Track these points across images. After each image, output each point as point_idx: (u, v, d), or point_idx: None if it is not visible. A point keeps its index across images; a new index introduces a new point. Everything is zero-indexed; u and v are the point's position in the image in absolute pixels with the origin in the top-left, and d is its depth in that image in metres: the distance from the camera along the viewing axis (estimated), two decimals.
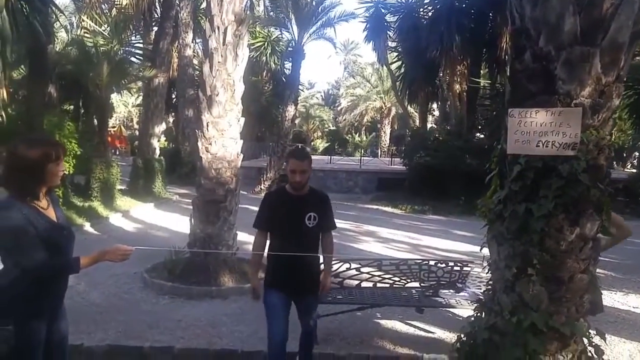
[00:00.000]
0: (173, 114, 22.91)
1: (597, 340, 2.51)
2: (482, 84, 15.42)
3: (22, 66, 11.68)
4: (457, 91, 15.22)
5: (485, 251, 2.75)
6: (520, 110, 2.34)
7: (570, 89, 2.28)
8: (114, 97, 26.88)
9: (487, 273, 2.78)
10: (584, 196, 2.25)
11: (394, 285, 4.43)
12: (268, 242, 3.09)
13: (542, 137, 2.27)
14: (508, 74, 2.55)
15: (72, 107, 17.92)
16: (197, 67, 17.45)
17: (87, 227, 8.58)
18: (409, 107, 22.65)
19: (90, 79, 11.23)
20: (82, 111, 17.67)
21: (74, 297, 4.65)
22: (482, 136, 15.32)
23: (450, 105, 16.06)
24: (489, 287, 2.74)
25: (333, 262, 4.27)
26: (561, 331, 2.35)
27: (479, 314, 2.69)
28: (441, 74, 16.32)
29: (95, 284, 5.35)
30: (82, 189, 10.94)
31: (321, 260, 3.25)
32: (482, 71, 16.56)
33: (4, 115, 8.14)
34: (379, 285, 4.42)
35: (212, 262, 5.63)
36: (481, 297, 3.02)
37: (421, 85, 17.33)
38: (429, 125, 20.78)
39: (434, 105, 22.60)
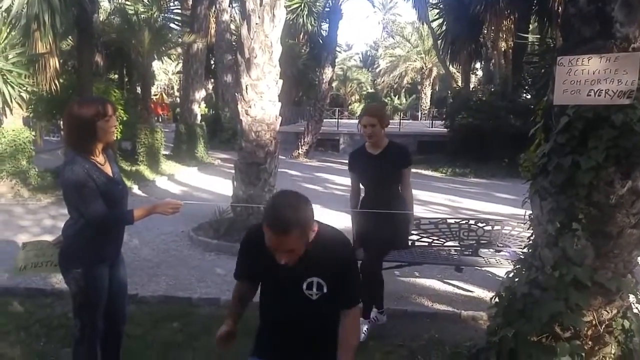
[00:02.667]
0: (212, 80, 23.14)
1: None
2: (530, 40, 14.61)
3: (70, 37, 12.05)
4: (503, 49, 14.55)
5: (528, 207, 2.70)
6: (570, 58, 2.22)
7: (628, 32, 2.13)
8: (155, 65, 27.36)
9: (528, 229, 2.74)
10: (638, 147, 2.15)
11: (433, 244, 4.43)
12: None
13: (593, 86, 2.16)
14: (560, 20, 2.42)
15: (116, 75, 18.45)
16: (234, 32, 17.40)
17: (135, 189, 8.99)
18: (451, 67, 21.85)
19: (132, 47, 11.48)
20: (126, 79, 18.15)
21: (127, 253, 4.91)
22: (528, 96, 14.67)
23: (494, 64, 15.41)
24: (531, 242, 2.71)
25: None
26: (606, 287, 2.30)
27: (518, 270, 2.67)
28: (485, 31, 15.56)
29: (147, 242, 5.66)
30: (129, 153, 11.41)
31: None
32: (530, 26, 15.66)
33: (57, 84, 8.50)
34: (417, 244, 4.44)
35: (254, 222, 5.80)
36: (522, 256, 3.00)
37: (464, 44, 16.59)
38: (471, 86, 20.04)
39: (477, 65, 21.71)
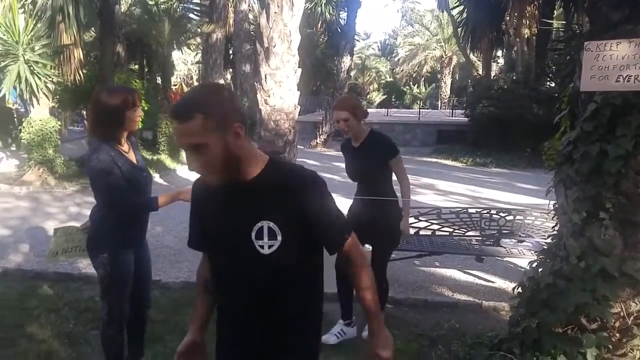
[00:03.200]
0: (231, 70, 23.21)
1: None
2: (554, 26, 14.23)
3: (92, 28, 12.22)
4: (526, 35, 14.17)
5: (552, 197, 2.66)
6: (598, 43, 2.16)
7: None
8: (174, 56, 27.58)
9: (553, 218, 2.70)
10: None
11: (453, 234, 4.40)
12: None
13: (622, 72, 2.10)
14: (586, 4, 2.35)
15: (136, 66, 18.66)
16: (252, 21, 17.41)
17: (157, 178, 9.13)
18: (471, 55, 21.47)
19: (152, 37, 11.59)
20: (146, 70, 18.33)
21: (150, 240, 4.93)
22: (552, 84, 14.33)
23: (517, 52, 15.05)
24: (555, 232, 2.66)
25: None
26: (635, 277, 2.25)
27: (542, 260, 2.63)
28: (508, 18, 15.19)
29: (169, 229, 5.77)
30: (150, 143, 11.56)
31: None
32: (555, 12, 15.24)
33: (81, 74, 8.65)
34: (437, 233, 4.41)
35: None
36: (545, 246, 2.95)
37: (485, 31, 16.25)
38: (492, 74, 19.66)
39: (499, 53, 21.28)
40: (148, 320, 2.72)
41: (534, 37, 14.13)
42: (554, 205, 2.65)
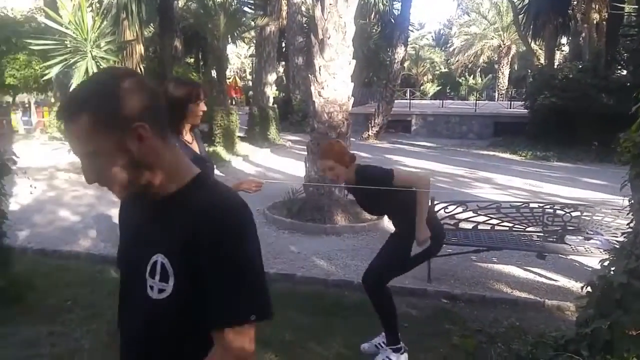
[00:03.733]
0: (283, 62, 23.45)
1: None
2: (626, 11, 13.27)
3: (151, 24, 12.75)
4: (595, 21, 13.33)
5: (627, 192, 2.48)
6: None
7: None
8: (228, 49, 28.25)
9: (628, 215, 2.52)
10: None
11: (513, 229, 4.23)
12: None
13: None
14: None
15: (192, 59, 19.26)
16: (305, 14, 17.46)
17: None
18: (532, 44, 20.47)
19: (208, 31, 11.89)
20: (201, 63, 18.88)
21: None
22: (623, 72, 13.39)
23: (584, 39, 14.19)
24: (629, 229, 2.49)
25: (447, 203, 4.19)
26: None
27: (615, 258, 2.47)
28: (575, 2, 14.36)
29: None
30: (205, 135, 11.91)
31: None
32: None
33: (141, 68, 9.04)
34: (497, 228, 4.26)
35: (326, 202, 5.87)
36: (616, 244, 2.77)
37: (549, 17, 15.41)
38: (556, 63, 18.64)
39: (563, 40, 20.14)
40: None
41: (604, 23, 13.25)
42: (628, 201, 2.48)
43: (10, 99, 15.96)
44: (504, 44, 34.93)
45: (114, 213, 6.09)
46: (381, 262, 2.85)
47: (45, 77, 9.16)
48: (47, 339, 2.98)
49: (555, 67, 16.60)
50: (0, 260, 3.41)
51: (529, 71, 22.46)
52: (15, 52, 13.11)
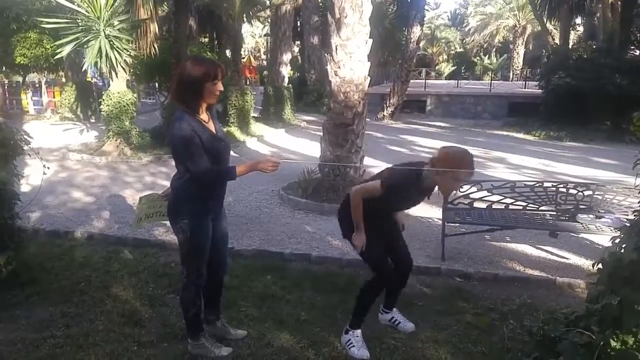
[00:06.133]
0: (298, 42, 23.26)
1: None
2: None
3: (165, 3, 12.69)
4: (610, 1, 13.01)
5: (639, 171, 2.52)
6: None
7: None
8: (243, 29, 28.03)
9: (639, 194, 2.56)
10: None
11: (527, 208, 4.29)
12: None
13: None
14: None
15: (206, 39, 19.20)
16: None
17: None
18: (547, 24, 20.03)
19: (223, 10, 11.83)
20: (216, 42, 18.82)
21: None
22: (637, 52, 13.12)
23: (599, 18, 13.87)
24: None
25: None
26: None
27: (626, 236, 2.53)
28: None
29: (240, 199, 6.03)
30: (220, 115, 11.99)
31: None
32: None
33: (156, 47, 9.06)
34: (510, 207, 4.31)
35: (341, 182, 5.94)
36: (627, 223, 2.81)
37: None
38: (570, 43, 18.27)
39: (578, 20, 19.68)
40: (224, 285, 2.84)
41: (618, 3, 12.93)
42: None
43: (20, 79, 15.91)
44: (519, 24, 34.26)
45: (128, 194, 6.18)
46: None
47: (57, 57, 9.05)
48: (61, 321, 2.99)
49: (570, 47, 16.29)
50: (12, 242, 3.32)
51: (544, 51, 22.06)
52: (26, 30, 12.96)
